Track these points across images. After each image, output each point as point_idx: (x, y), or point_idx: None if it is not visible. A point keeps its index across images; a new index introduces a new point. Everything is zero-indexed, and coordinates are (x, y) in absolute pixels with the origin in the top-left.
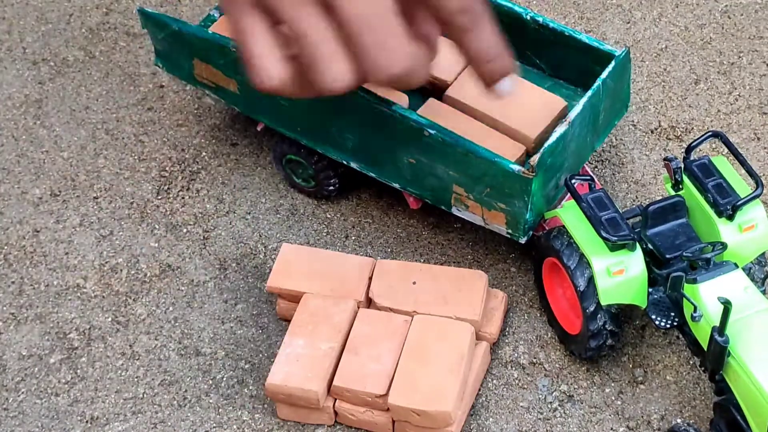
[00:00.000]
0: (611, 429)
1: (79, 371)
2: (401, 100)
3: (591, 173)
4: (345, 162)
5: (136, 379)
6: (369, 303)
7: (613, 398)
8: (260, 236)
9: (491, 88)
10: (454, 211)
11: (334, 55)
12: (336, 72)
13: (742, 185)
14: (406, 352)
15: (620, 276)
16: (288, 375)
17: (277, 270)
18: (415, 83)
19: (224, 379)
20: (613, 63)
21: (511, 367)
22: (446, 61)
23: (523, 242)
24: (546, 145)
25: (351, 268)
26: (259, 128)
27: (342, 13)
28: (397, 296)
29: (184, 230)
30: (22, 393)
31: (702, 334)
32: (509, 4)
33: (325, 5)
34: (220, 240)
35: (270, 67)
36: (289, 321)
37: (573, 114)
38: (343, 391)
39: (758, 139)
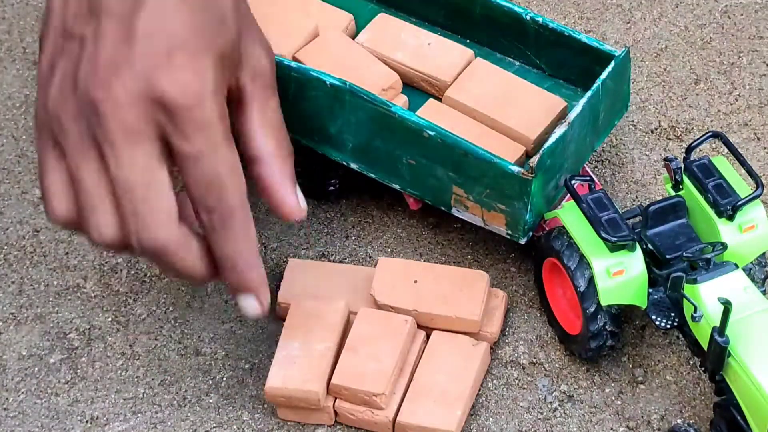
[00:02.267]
0: (611, 429)
1: (79, 371)
2: (400, 100)
3: (591, 174)
4: (345, 163)
5: (136, 379)
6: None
7: (613, 398)
8: (260, 236)
9: (234, 297)
10: (454, 211)
11: (102, 208)
12: (100, 225)
13: (742, 185)
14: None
15: (620, 276)
16: (286, 377)
17: (285, 285)
18: (183, 269)
19: (224, 379)
20: (612, 63)
21: (511, 367)
22: (446, 62)
23: (522, 243)
24: (545, 146)
25: (360, 281)
26: None
27: (111, 173)
28: (398, 294)
29: None
30: (22, 393)
31: (702, 334)
32: (509, 4)
33: (103, 161)
34: None
35: (57, 204)
36: None
37: (572, 115)
38: (341, 389)
39: (758, 139)
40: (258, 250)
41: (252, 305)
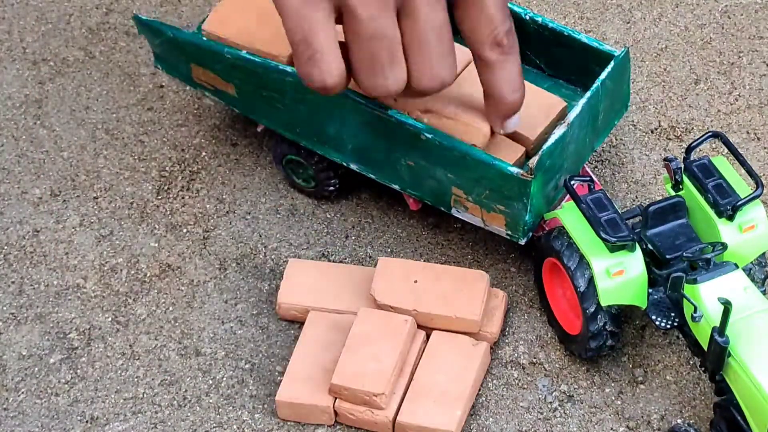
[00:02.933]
0: (611, 429)
1: (79, 371)
2: None
3: (591, 174)
4: (345, 164)
5: (136, 379)
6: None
7: (613, 398)
8: (260, 236)
9: (501, 124)
10: (454, 212)
11: (396, 60)
12: (398, 76)
13: (742, 185)
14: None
15: (620, 277)
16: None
17: (285, 285)
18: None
19: (224, 379)
20: (612, 63)
21: (511, 367)
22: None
23: (522, 243)
24: (545, 146)
25: (360, 281)
26: (259, 129)
27: (418, 22)
28: (398, 294)
29: (184, 230)
30: (22, 393)
31: (702, 334)
32: (509, 4)
33: (401, 11)
34: (220, 240)
35: (334, 63)
36: (289, 321)
37: (572, 115)
38: (341, 389)
39: (758, 139)
40: None
41: (515, 121)
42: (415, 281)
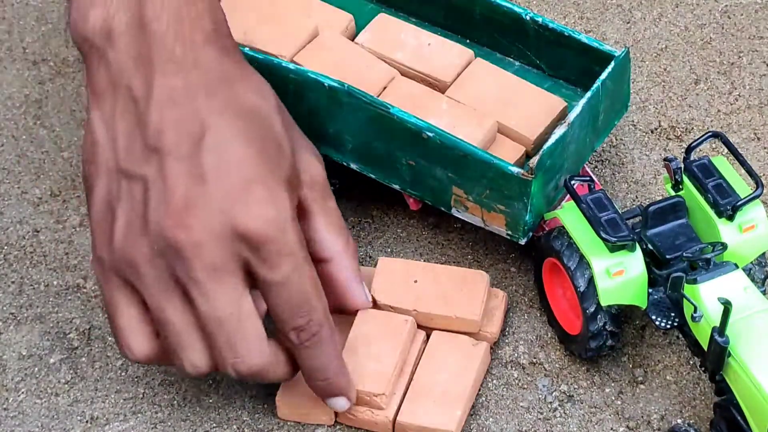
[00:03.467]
0: (611, 429)
1: (79, 371)
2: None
3: (591, 174)
4: (345, 163)
5: (136, 379)
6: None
7: (613, 398)
8: None
9: (322, 399)
10: (454, 212)
11: (192, 344)
12: (193, 360)
13: (742, 185)
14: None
15: (620, 277)
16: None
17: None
18: (273, 379)
19: (224, 379)
20: (612, 64)
21: (511, 367)
22: (446, 62)
23: (522, 243)
24: (545, 146)
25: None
26: None
27: (199, 311)
28: (398, 294)
29: None
30: (22, 393)
31: (702, 334)
32: (509, 5)
33: (187, 298)
34: None
35: (133, 343)
36: None
37: (572, 115)
38: None
39: (758, 139)
40: (341, 354)
41: (341, 403)
42: (415, 281)
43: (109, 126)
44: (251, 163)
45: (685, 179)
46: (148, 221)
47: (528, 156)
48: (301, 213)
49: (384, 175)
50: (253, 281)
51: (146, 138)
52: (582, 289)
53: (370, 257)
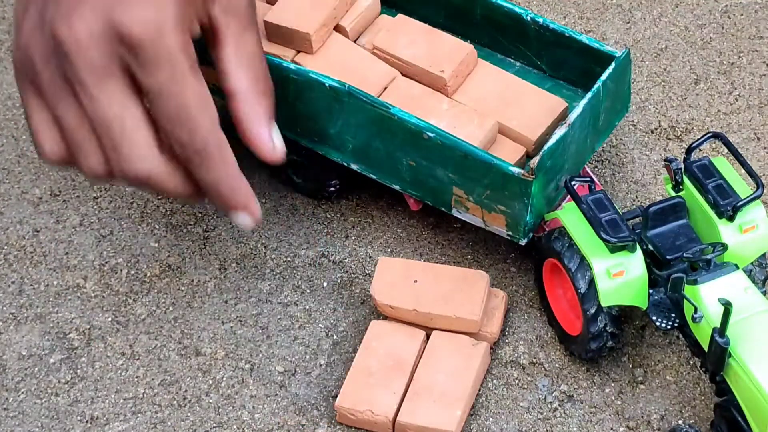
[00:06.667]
0: (611, 429)
1: (79, 371)
2: None
3: (591, 174)
4: (345, 164)
5: (136, 379)
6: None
7: (613, 398)
8: (260, 236)
9: (226, 215)
10: (455, 212)
11: (86, 146)
12: (89, 163)
13: (742, 186)
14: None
15: (620, 277)
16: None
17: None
18: (173, 193)
19: (224, 379)
20: (613, 64)
21: (511, 367)
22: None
23: (523, 244)
24: (546, 147)
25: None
26: None
27: (86, 111)
28: (398, 294)
29: (184, 230)
30: (22, 393)
31: (703, 335)
32: (510, 5)
33: (77, 100)
34: (220, 240)
35: (47, 145)
36: (290, 322)
37: (573, 116)
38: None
39: (758, 139)
40: (237, 168)
41: (245, 220)
42: (415, 281)
43: None
44: None
45: (686, 180)
46: (44, 19)
47: (528, 156)
48: (213, 39)
49: (384, 176)
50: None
51: None
52: (583, 290)
53: (370, 257)
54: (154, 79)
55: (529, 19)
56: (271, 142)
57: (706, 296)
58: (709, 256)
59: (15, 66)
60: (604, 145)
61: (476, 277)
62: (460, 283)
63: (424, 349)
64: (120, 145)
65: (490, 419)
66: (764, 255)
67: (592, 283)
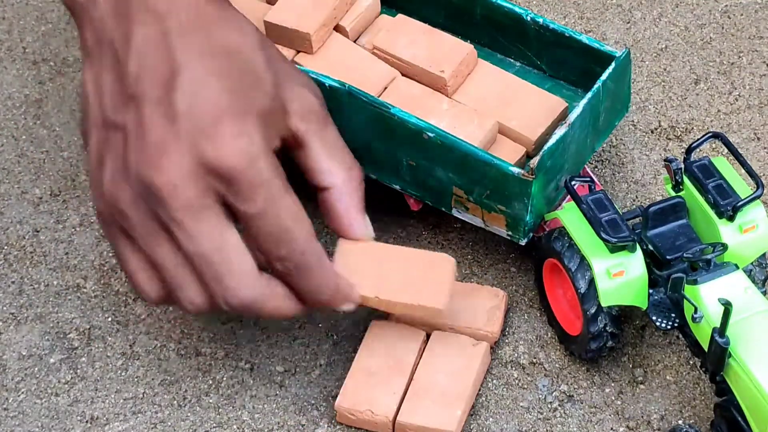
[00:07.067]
0: (611, 429)
1: (79, 371)
2: None
3: (591, 174)
4: None
5: (136, 379)
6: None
7: (613, 398)
8: None
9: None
10: (454, 212)
11: (186, 282)
12: (190, 297)
13: (742, 186)
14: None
15: (620, 277)
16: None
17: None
18: (277, 314)
19: (224, 379)
20: (613, 64)
21: (511, 367)
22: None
23: (523, 244)
24: (546, 147)
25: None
26: None
27: (184, 249)
28: (360, 279)
29: None
30: (22, 393)
31: (703, 335)
32: (510, 5)
33: (172, 238)
34: None
35: (147, 289)
36: (291, 321)
37: (573, 116)
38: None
39: (758, 139)
40: (334, 269)
41: (348, 307)
42: (379, 265)
43: (97, 81)
44: (221, 97)
45: (686, 180)
46: (129, 167)
47: (528, 156)
48: (298, 144)
49: (384, 176)
50: (234, 215)
51: (126, 87)
52: (583, 290)
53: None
54: (252, 206)
55: (529, 19)
56: (365, 228)
57: (706, 296)
58: (709, 256)
59: (100, 216)
60: (604, 145)
61: (443, 261)
62: (426, 268)
63: (424, 349)
64: (223, 276)
65: (490, 419)
66: (764, 255)
67: (592, 283)
